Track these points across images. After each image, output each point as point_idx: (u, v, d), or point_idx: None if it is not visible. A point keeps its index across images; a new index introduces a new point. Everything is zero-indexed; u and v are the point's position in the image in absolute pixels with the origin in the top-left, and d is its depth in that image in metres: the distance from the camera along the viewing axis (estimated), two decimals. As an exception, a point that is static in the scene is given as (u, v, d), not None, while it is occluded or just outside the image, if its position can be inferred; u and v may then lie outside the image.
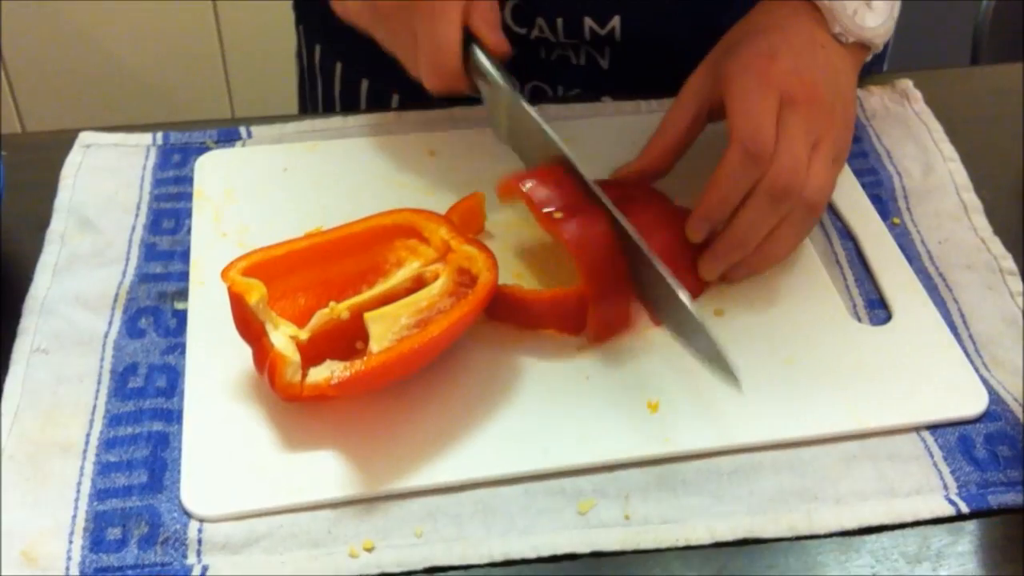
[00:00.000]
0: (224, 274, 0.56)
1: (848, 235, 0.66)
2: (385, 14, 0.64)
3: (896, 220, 0.68)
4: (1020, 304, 0.62)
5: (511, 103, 0.63)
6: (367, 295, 0.57)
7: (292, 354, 0.54)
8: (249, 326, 0.55)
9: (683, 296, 0.56)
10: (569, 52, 0.78)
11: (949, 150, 0.72)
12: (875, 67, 0.82)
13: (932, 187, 0.69)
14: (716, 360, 0.55)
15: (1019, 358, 0.59)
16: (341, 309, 0.56)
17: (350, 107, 0.84)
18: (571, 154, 0.61)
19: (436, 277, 0.58)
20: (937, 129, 0.73)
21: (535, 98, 0.73)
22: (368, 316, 0.55)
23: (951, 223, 0.67)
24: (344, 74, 0.84)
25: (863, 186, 0.69)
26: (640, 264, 0.58)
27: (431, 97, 0.66)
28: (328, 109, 0.86)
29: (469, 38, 0.63)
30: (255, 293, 0.55)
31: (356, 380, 0.52)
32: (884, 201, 0.69)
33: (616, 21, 0.74)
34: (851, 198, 0.68)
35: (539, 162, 0.63)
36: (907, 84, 0.77)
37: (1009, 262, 0.64)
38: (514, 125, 0.64)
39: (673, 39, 0.73)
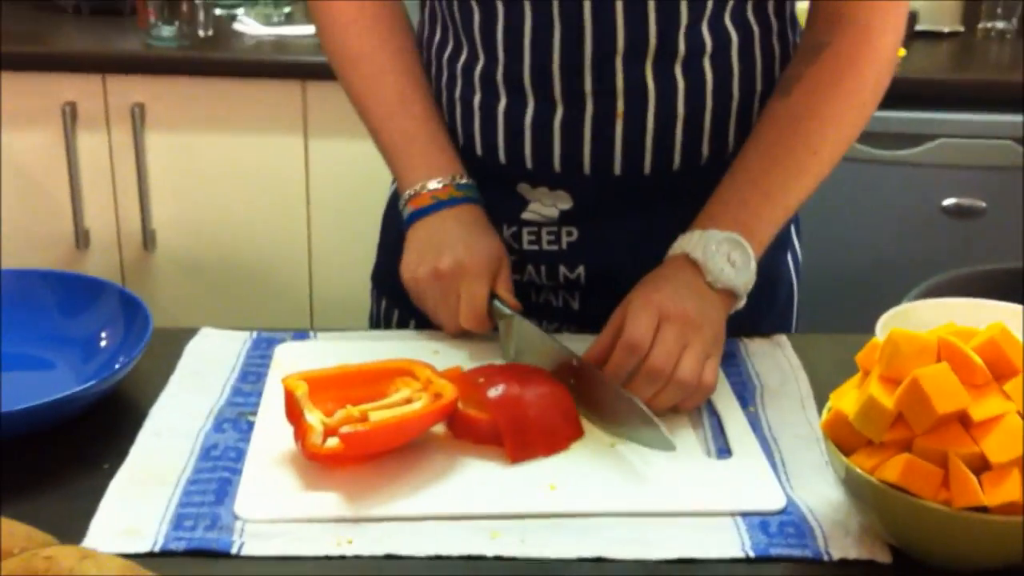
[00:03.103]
0: (283, 380, 0.87)
1: (713, 412, 0.95)
2: (441, 277, 1.01)
3: (752, 408, 0.96)
4: (826, 459, 0.89)
5: (520, 327, 0.98)
6: (372, 405, 0.87)
7: (318, 427, 0.83)
8: (293, 410, 0.85)
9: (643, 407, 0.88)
10: (551, 296, 1.11)
11: (803, 376, 1.01)
12: (786, 329, 1.13)
13: (784, 392, 0.98)
14: (657, 440, 0.87)
15: (817, 486, 0.85)
16: (354, 410, 0.86)
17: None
18: (571, 351, 0.95)
19: (419, 399, 0.88)
20: (796, 362, 1.03)
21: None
22: (371, 414, 0.85)
23: (791, 414, 0.95)
24: (399, 318, 1.18)
25: (732, 386, 0.98)
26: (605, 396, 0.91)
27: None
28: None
29: (493, 296, 1.01)
30: (300, 388, 0.85)
31: (356, 436, 0.81)
32: (745, 397, 0.97)
33: (582, 269, 1.08)
34: (720, 392, 0.97)
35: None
36: (781, 338, 1.07)
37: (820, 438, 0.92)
38: (521, 345, 0.99)
39: (624, 286, 1.03)
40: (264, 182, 2.15)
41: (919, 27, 2.35)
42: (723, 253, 0.96)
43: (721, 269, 0.97)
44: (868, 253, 2.19)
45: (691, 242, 0.97)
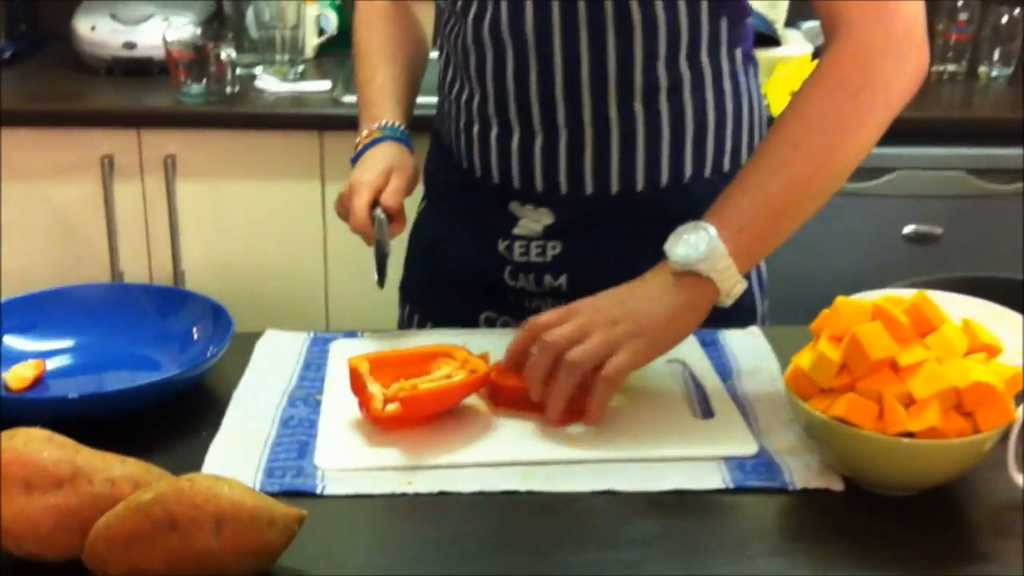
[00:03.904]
0: (349, 359, 1.07)
1: (699, 384, 1.15)
2: (341, 199, 1.26)
3: (730, 382, 1.16)
4: (791, 418, 1.08)
5: (382, 228, 1.23)
6: (421, 379, 1.07)
7: (379, 395, 1.03)
8: (357, 383, 1.05)
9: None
10: (540, 302, 1.30)
11: (772, 357, 1.20)
12: (752, 324, 1.32)
13: (756, 370, 1.18)
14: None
15: (784, 437, 1.05)
16: (406, 383, 1.05)
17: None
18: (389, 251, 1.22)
19: (459, 374, 1.07)
20: (766, 347, 1.23)
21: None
22: (420, 385, 1.05)
23: (763, 386, 1.15)
24: (419, 322, 1.38)
25: (715, 368, 1.18)
26: None
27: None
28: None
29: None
30: (363, 366, 1.05)
31: (412, 399, 1.01)
32: (724, 374, 1.17)
33: (564, 278, 1.28)
34: (704, 369, 1.17)
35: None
36: (754, 329, 1.27)
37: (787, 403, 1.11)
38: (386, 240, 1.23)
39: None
40: (285, 224, 2.35)
41: (878, 72, 2.57)
42: (682, 237, 1.06)
43: (677, 252, 1.06)
44: (836, 277, 2.36)
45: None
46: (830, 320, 0.96)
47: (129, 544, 0.81)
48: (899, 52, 1.08)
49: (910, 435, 0.91)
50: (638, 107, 1.23)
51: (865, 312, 0.95)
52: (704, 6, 1.20)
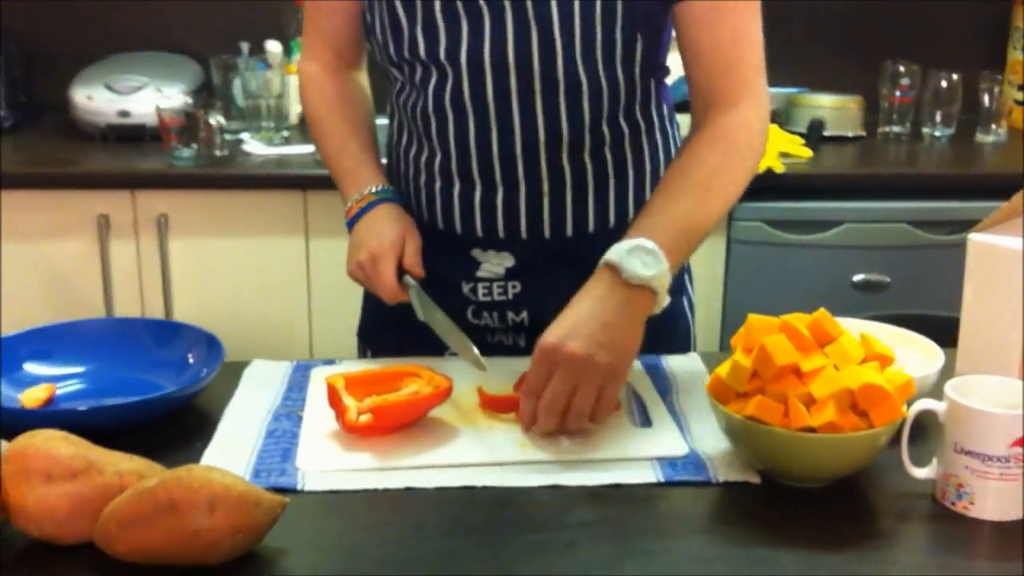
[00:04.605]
0: (327, 377, 1.21)
1: (639, 399, 1.29)
2: (363, 267, 1.36)
3: (669, 399, 1.30)
4: (717, 423, 1.22)
5: (420, 295, 1.32)
6: (391, 395, 1.21)
7: (354, 407, 1.17)
8: (334, 397, 1.19)
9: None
10: (503, 336, 1.45)
11: (706, 377, 1.34)
12: (683, 350, 1.47)
13: (692, 389, 1.32)
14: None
15: (711, 441, 1.19)
16: (378, 398, 1.19)
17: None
18: (447, 318, 1.31)
19: (425, 390, 1.21)
20: (702, 369, 1.37)
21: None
22: (390, 398, 1.19)
23: (697, 401, 1.29)
24: (371, 355, 1.53)
25: (654, 385, 1.32)
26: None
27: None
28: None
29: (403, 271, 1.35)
30: (339, 382, 1.19)
31: (384, 408, 1.15)
32: (664, 391, 1.31)
33: (525, 313, 1.43)
34: (646, 387, 1.31)
35: (439, 325, 1.32)
36: (693, 354, 1.42)
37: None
38: (424, 308, 1.33)
39: None
40: (272, 277, 2.50)
41: (827, 132, 2.75)
42: (636, 256, 1.20)
43: (635, 267, 1.20)
44: (791, 323, 2.54)
45: (610, 252, 1.24)
46: (744, 335, 1.11)
47: (135, 523, 0.94)
48: (764, 128, 1.37)
49: (812, 430, 1.05)
50: (587, 158, 1.38)
51: (773, 326, 1.09)
52: (637, 70, 1.36)
